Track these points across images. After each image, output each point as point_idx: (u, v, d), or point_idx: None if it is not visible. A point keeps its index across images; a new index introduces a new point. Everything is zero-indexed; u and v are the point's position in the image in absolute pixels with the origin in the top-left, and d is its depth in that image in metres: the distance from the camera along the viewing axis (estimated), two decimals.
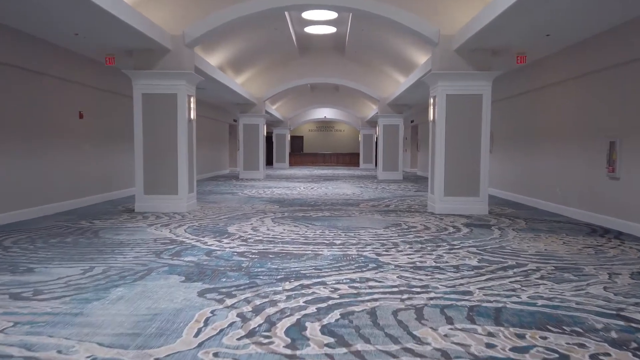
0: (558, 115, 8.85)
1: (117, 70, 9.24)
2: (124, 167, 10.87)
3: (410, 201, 10.50)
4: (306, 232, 6.54)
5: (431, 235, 6.35)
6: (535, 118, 9.79)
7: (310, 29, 13.93)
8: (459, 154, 8.44)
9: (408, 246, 5.62)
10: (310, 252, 5.28)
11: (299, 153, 32.67)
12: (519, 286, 3.99)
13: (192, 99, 8.78)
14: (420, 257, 5.07)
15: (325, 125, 34.00)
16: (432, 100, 8.82)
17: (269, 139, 30.09)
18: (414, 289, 3.88)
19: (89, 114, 9.48)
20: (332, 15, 12.37)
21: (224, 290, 3.83)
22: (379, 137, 18.64)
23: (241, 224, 7.15)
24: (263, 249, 5.40)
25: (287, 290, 3.82)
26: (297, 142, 33.99)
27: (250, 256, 5.05)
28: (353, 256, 5.07)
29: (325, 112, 29.43)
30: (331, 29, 13.93)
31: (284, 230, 6.67)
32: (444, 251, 5.35)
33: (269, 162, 30.20)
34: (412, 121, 23.13)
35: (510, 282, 4.12)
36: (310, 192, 12.65)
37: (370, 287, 3.93)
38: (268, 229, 6.73)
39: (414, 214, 8.46)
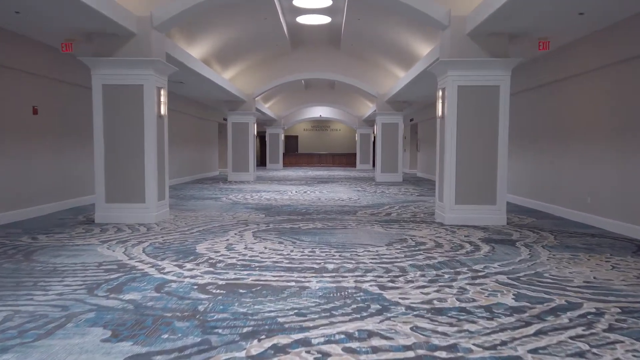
0: (587, 110, 7.65)
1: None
2: (91, 170, 9.60)
3: (414, 208, 9.31)
4: (292, 251, 5.33)
5: (445, 255, 5.15)
6: (558, 113, 8.59)
7: (302, 19, 12.71)
8: (472, 156, 7.25)
9: (419, 273, 4.42)
10: (293, 283, 4.07)
11: (294, 153, 31.45)
12: (587, 346, 2.80)
13: (162, 92, 7.56)
14: (437, 291, 3.87)
15: (320, 124, 32.81)
16: (440, 93, 7.63)
17: (262, 138, 28.90)
18: (437, 354, 2.68)
19: (44, 109, 8.23)
20: (327, 2, 11.18)
21: (158, 358, 2.62)
22: (377, 136, 17.43)
23: (215, 240, 5.93)
24: (233, 279, 4.19)
25: (252, 359, 2.61)
26: (291, 141, 32.78)
27: (214, 292, 3.83)
28: (349, 291, 3.87)
29: (320, 111, 28.17)
30: (325, 19, 12.73)
31: (265, 249, 5.46)
32: (467, 281, 4.16)
33: (263, 162, 28.99)
34: (411, 119, 21.96)
35: (570, 337, 2.92)
36: (303, 196, 11.43)
37: (374, 350, 2.73)
38: (246, 247, 5.52)
39: (420, 224, 7.27)
